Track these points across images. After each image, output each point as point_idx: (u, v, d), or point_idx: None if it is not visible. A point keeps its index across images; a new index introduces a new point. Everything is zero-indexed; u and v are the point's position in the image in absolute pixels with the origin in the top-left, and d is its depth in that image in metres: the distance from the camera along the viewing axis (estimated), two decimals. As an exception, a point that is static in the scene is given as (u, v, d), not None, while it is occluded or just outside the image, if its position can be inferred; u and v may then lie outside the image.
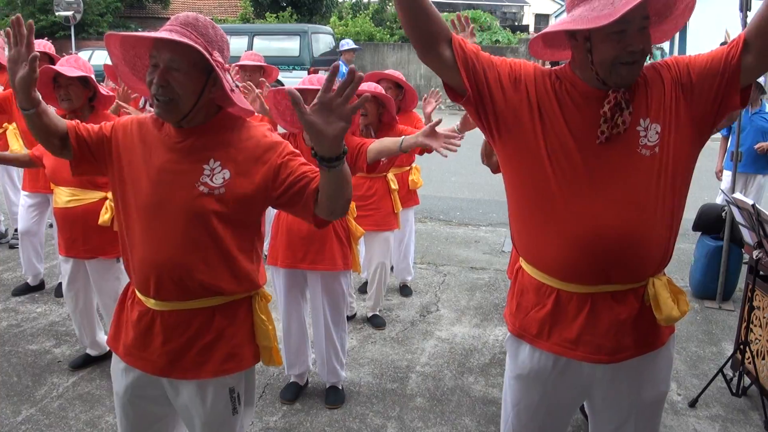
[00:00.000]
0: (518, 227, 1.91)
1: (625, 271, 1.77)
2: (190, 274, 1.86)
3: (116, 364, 2.07)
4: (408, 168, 4.63)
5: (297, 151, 1.93)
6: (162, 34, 1.76)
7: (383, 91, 3.89)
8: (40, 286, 4.96)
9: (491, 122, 1.81)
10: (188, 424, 2.07)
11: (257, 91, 3.65)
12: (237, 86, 1.94)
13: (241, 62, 5.31)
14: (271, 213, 5.34)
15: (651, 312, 1.83)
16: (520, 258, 1.97)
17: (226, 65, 1.89)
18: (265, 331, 2.01)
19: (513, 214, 1.92)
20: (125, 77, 2.00)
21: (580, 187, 1.73)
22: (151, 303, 1.93)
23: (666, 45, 24.17)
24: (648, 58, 1.73)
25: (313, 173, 1.86)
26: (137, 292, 1.98)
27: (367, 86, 3.87)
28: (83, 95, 3.39)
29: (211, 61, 1.77)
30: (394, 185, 4.28)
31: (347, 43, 9.69)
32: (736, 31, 4.95)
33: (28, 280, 4.92)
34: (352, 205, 3.52)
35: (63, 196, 3.43)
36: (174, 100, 1.80)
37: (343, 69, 8.84)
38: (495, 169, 2.36)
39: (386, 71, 4.45)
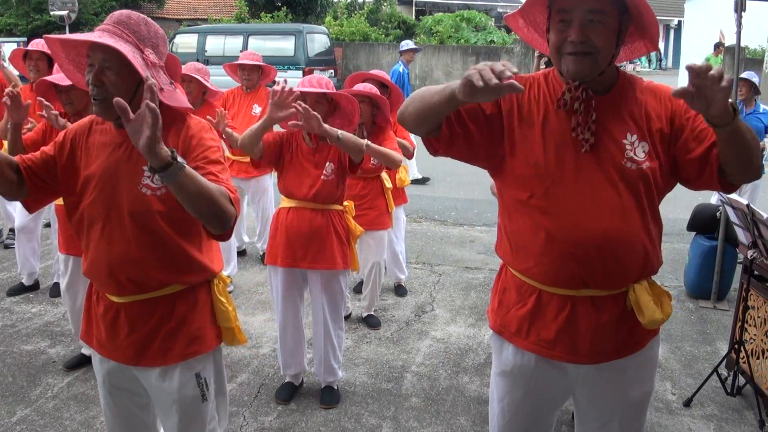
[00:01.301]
0: (504, 236, 1.92)
1: (603, 279, 1.78)
2: (144, 272, 1.92)
3: (94, 355, 2.13)
4: None
5: (214, 158, 1.90)
6: (90, 35, 1.78)
7: (378, 92, 3.88)
8: (34, 286, 4.93)
9: (482, 159, 1.85)
10: (161, 414, 2.11)
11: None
12: (171, 83, 1.93)
13: (240, 61, 5.31)
14: (270, 213, 5.35)
15: (632, 316, 1.84)
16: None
17: (161, 63, 1.89)
18: (225, 312, 2.08)
19: (502, 221, 1.94)
20: (71, 75, 2.03)
21: (562, 194, 1.75)
22: (114, 298, 1.99)
23: (661, 45, 24.19)
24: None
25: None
26: None
27: (363, 86, 3.87)
28: (84, 97, 3.39)
29: (133, 61, 1.76)
30: (388, 184, 4.28)
31: (407, 44, 9.61)
32: (731, 31, 4.94)
33: (23, 280, 4.90)
34: (351, 204, 3.52)
35: None
36: (108, 99, 1.80)
37: (400, 69, 8.84)
38: None
39: (371, 71, 4.45)
